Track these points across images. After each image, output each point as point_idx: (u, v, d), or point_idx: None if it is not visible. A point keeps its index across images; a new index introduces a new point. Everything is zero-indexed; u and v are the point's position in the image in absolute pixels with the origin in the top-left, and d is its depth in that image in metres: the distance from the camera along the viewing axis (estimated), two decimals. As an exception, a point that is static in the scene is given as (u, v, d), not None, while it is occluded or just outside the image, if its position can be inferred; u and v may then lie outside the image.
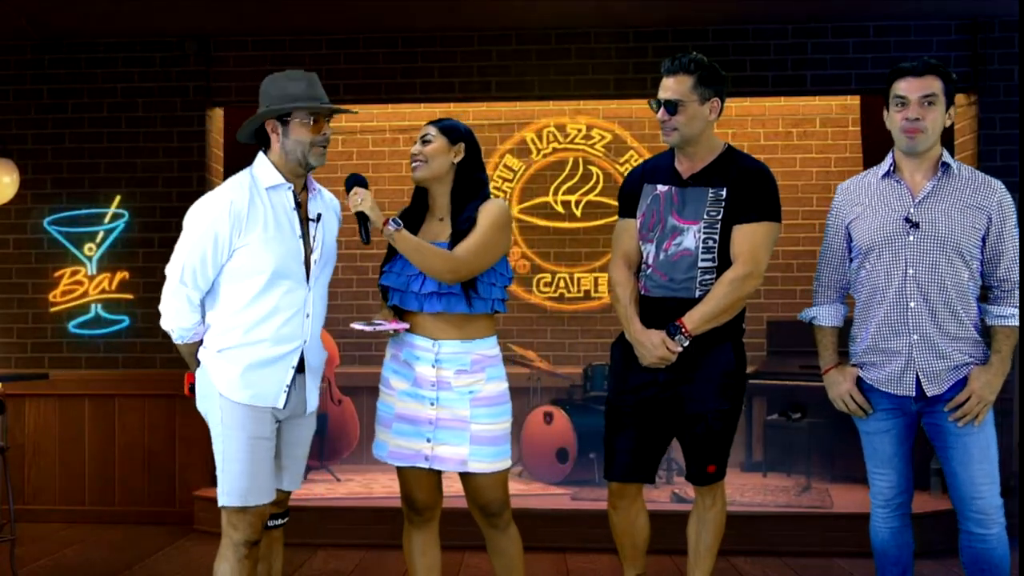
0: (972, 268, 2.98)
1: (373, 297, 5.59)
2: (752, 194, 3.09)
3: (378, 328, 2.92)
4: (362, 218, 2.94)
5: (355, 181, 3.02)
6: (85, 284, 5.60)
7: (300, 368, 2.92)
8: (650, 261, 3.18)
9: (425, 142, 3.02)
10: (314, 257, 2.94)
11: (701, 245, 3.09)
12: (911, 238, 2.98)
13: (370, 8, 5.18)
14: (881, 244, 3.02)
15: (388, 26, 5.43)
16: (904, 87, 2.97)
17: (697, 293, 3.10)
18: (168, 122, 5.54)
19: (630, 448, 3.19)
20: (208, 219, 2.82)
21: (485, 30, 5.48)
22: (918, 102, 2.95)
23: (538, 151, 6.79)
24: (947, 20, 5.35)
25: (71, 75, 5.63)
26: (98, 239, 5.60)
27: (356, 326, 2.95)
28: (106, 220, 5.58)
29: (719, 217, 3.08)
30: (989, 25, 5.31)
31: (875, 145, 5.63)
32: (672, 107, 3.10)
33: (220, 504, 2.83)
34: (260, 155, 2.96)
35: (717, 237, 3.08)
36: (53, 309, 5.61)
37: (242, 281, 2.84)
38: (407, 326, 2.97)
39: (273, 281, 2.84)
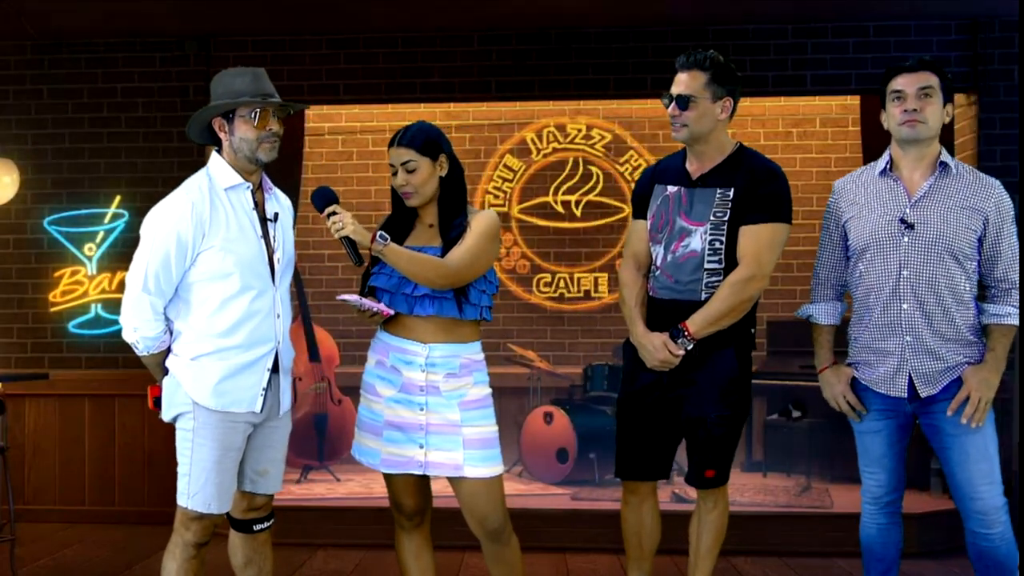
0: (968, 269, 2.97)
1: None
2: (759, 194, 3.05)
3: (364, 304, 2.85)
4: (348, 242, 2.84)
5: (325, 198, 2.89)
6: (85, 284, 5.59)
7: (275, 369, 2.90)
8: (658, 263, 3.16)
9: (410, 171, 2.91)
10: (277, 256, 2.91)
11: (707, 247, 3.06)
12: (906, 239, 2.98)
13: (370, 8, 5.18)
14: (876, 245, 3.02)
15: (388, 26, 5.43)
16: (901, 82, 3.00)
17: (703, 296, 3.07)
18: (168, 122, 5.54)
19: (639, 447, 3.20)
20: (170, 223, 2.77)
21: (485, 30, 5.47)
22: (915, 94, 2.97)
23: (538, 151, 6.80)
24: (947, 20, 5.34)
25: (71, 75, 5.62)
26: (98, 239, 5.60)
27: (343, 296, 2.88)
28: (106, 220, 5.59)
29: (725, 218, 3.05)
30: (989, 25, 5.31)
31: (875, 145, 5.64)
32: (684, 102, 3.07)
33: (181, 504, 2.83)
34: (214, 155, 2.91)
35: (724, 239, 3.05)
36: (53, 309, 5.61)
37: (210, 285, 2.80)
38: (392, 313, 2.91)
39: (242, 284, 2.81)
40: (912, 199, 3.00)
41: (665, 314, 3.11)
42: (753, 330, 3.17)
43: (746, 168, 3.10)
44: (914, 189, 3.01)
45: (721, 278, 3.06)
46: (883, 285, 3.01)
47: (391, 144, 2.95)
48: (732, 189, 3.07)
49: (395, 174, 2.95)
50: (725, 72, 3.11)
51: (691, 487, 3.28)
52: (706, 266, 3.07)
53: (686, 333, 3.02)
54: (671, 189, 3.17)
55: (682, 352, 3.04)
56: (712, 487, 3.17)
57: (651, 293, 3.20)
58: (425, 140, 2.93)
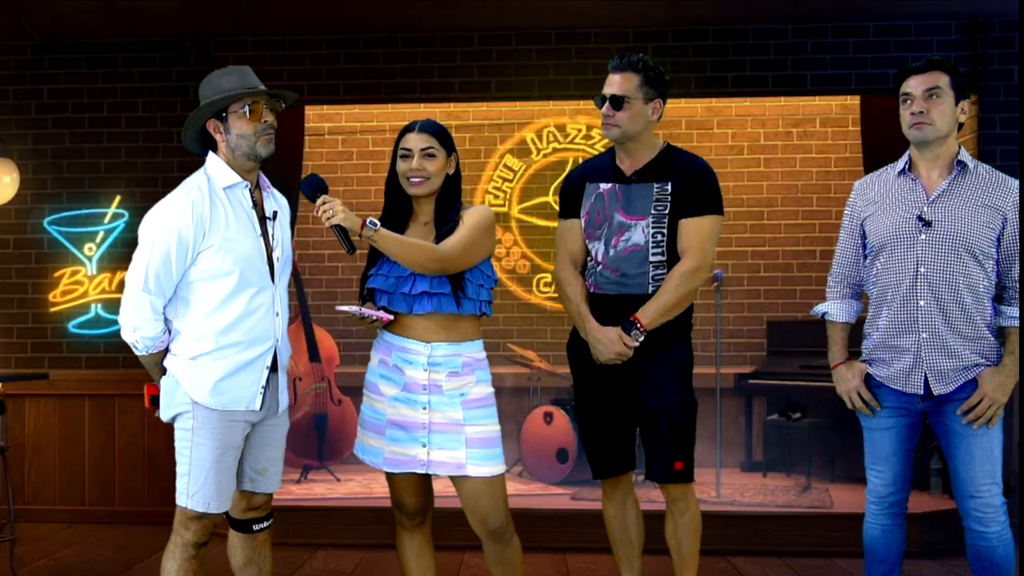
0: (986, 268, 2.98)
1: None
2: (696, 188, 3.14)
3: (364, 313, 2.88)
4: (339, 230, 2.85)
5: (315, 185, 2.91)
6: (85, 284, 5.60)
7: (273, 367, 2.91)
8: (599, 258, 3.23)
9: (429, 156, 2.96)
10: (276, 255, 2.93)
11: (651, 240, 3.15)
12: (923, 236, 2.98)
13: (370, 8, 5.18)
14: (893, 241, 3.03)
15: (388, 26, 5.43)
16: (911, 84, 3.02)
17: (650, 288, 3.15)
18: (168, 122, 5.54)
19: (608, 445, 3.28)
20: (170, 222, 2.78)
21: (485, 30, 5.47)
22: (922, 96, 2.99)
23: (538, 151, 6.80)
24: (947, 20, 5.34)
25: (71, 75, 5.62)
26: (98, 239, 5.60)
27: (342, 308, 2.91)
28: (106, 220, 5.59)
29: (666, 211, 3.14)
30: (989, 25, 5.31)
31: (875, 145, 5.64)
32: (618, 103, 3.15)
33: (180, 504, 2.83)
34: (211, 155, 2.92)
35: (665, 231, 3.14)
36: (53, 309, 5.61)
37: (210, 284, 2.81)
38: (392, 318, 2.94)
39: (241, 282, 2.82)
40: (930, 197, 3.01)
41: (611, 308, 3.18)
42: (692, 320, 3.29)
43: (680, 164, 3.20)
44: (932, 187, 3.03)
45: (665, 270, 3.15)
46: (900, 282, 3.02)
47: (409, 130, 3.00)
48: (669, 183, 3.15)
49: (404, 158, 2.98)
50: (656, 75, 3.20)
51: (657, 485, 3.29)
52: (651, 259, 3.15)
53: (638, 325, 3.10)
54: (604, 186, 3.24)
55: (635, 344, 3.11)
56: (681, 482, 3.19)
57: (591, 289, 3.26)
58: (446, 134, 3.02)
